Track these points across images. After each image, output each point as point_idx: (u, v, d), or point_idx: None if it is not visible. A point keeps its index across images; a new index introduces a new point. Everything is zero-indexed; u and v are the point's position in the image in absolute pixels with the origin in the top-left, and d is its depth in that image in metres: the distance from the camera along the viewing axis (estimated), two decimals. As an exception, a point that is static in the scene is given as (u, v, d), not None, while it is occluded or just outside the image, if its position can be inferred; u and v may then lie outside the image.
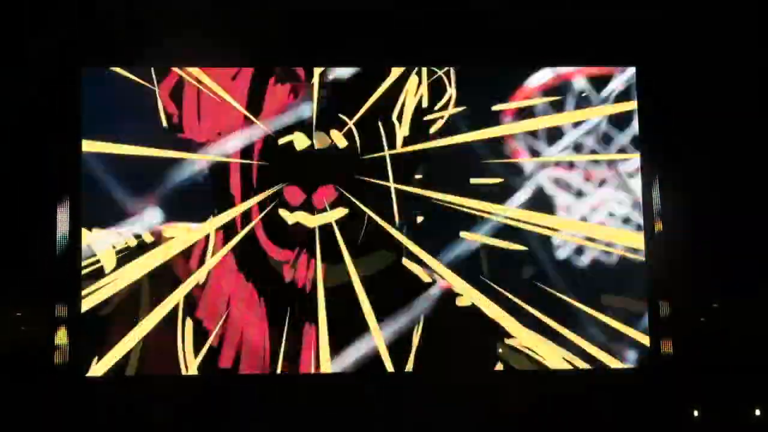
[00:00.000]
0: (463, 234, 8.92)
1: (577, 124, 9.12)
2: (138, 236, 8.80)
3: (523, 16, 9.00)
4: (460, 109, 9.05)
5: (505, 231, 8.96)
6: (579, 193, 9.06)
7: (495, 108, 9.09)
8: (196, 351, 8.75)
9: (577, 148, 9.11)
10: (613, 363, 8.87)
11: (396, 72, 9.08)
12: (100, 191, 8.79)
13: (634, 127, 9.10)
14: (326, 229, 8.88)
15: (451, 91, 9.08)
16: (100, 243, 8.78)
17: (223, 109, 8.89)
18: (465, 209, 8.90)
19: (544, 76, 9.16)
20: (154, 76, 8.89)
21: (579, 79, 9.17)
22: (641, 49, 9.13)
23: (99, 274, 8.73)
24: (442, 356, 8.83)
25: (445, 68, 9.09)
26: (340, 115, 8.99)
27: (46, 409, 8.83)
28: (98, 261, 8.74)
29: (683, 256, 8.98)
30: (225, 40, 8.83)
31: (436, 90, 9.10)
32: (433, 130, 9.01)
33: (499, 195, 9.01)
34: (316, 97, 8.95)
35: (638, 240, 9.01)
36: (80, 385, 8.69)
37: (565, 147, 9.11)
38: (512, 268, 8.94)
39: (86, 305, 8.69)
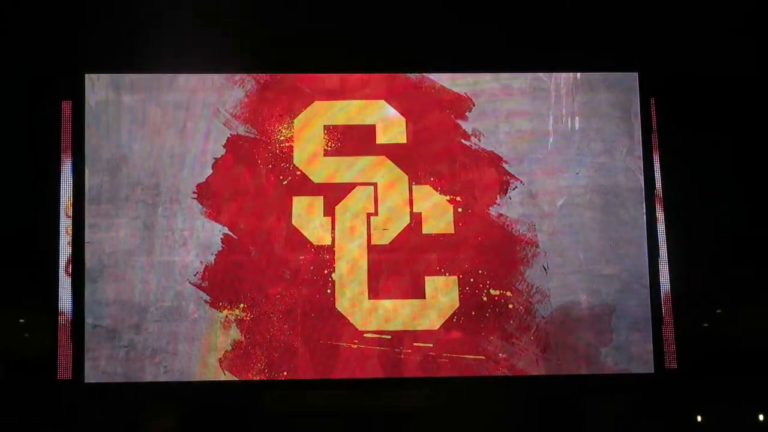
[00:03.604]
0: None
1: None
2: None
3: (523, 19, 8.74)
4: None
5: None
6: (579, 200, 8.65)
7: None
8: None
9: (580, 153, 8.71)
10: (616, 369, 8.41)
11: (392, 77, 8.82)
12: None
13: (636, 133, 8.72)
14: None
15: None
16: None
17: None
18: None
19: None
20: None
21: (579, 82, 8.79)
22: (642, 53, 8.79)
23: (101, 278, 8.35)
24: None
25: (444, 74, 8.77)
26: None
27: (47, 415, 8.67)
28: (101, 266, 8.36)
29: (686, 261, 8.59)
30: (225, 46, 8.59)
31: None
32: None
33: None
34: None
35: (640, 246, 8.58)
36: (81, 390, 8.28)
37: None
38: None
39: (88, 309, 8.29)
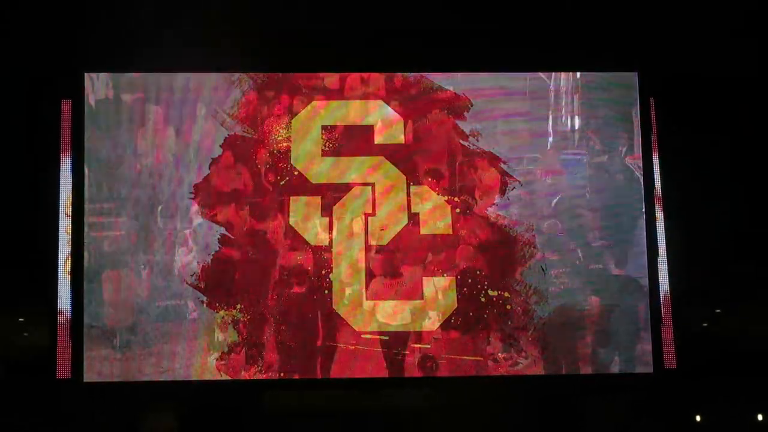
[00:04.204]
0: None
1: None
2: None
3: (522, 19, 8.63)
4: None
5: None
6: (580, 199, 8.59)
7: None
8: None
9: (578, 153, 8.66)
10: (615, 369, 8.34)
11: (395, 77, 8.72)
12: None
13: (636, 133, 8.65)
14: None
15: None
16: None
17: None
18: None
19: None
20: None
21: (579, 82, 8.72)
22: (642, 53, 8.72)
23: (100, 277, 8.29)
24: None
25: (443, 74, 8.70)
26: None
27: (46, 414, 8.70)
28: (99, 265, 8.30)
29: (685, 261, 8.51)
30: (224, 46, 8.50)
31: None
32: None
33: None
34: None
35: (640, 246, 8.51)
36: (80, 389, 8.20)
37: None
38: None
39: (87, 309, 8.22)
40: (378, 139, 8.52)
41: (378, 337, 8.18)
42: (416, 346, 8.21)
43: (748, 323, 9.62)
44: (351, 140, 8.51)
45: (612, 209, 8.48)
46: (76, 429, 8.58)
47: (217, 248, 8.28)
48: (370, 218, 8.38)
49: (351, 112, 8.55)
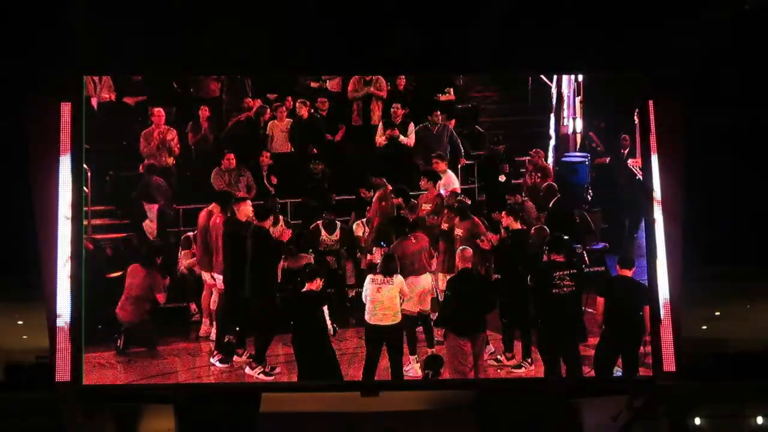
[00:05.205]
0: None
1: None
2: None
3: (523, 21, 8.53)
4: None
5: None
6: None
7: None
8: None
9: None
10: (615, 371, 8.25)
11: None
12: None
13: (636, 134, 8.57)
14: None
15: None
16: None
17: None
18: None
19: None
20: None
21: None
22: (643, 55, 8.60)
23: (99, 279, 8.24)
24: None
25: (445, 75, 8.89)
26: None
27: (45, 417, 8.54)
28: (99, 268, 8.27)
29: (684, 264, 8.40)
30: (225, 47, 8.42)
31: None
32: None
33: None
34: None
35: (639, 248, 8.44)
36: (79, 392, 8.05)
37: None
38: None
39: (86, 312, 8.04)
40: (380, 140, 8.55)
41: (379, 337, 8.11)
42: (417, 347, 8.19)
43: (747, 326, 9.64)
44: (352, 141, 8.53)
45: (614, 211, 8.55)
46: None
47: (218, 249, 8.21)
48: (371, 220, 8.38)
49: (352, 113, 8.60)
